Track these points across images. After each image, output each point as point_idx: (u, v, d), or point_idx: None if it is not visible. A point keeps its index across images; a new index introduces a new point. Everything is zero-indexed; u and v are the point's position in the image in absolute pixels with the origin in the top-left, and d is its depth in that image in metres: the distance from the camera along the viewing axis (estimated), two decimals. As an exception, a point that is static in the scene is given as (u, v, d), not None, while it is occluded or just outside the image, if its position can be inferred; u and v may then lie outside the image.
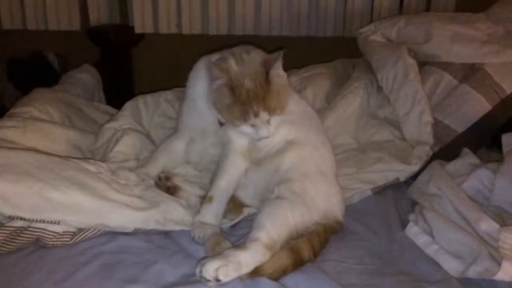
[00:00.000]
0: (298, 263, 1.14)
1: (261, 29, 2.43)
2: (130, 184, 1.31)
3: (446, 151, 1.65)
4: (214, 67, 1.23)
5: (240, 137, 1.33)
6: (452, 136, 1.68)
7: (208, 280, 1.03)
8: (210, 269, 1.03)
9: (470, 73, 1.75)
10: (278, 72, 1.27)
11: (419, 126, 1.65)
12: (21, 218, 1.11)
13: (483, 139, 1.72)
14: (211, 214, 1.28)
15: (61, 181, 1.18)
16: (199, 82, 1.39)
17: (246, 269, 1.08)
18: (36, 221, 1.12)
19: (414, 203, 1.43)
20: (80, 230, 1.18)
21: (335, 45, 2.44)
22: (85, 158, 1.41)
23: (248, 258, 1.08)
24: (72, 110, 1.68)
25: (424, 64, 1.85)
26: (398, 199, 1.50)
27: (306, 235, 1.20)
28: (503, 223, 1.22)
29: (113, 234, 1.21)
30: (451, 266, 1.17)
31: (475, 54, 1.76)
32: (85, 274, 1.08)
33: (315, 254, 1.19)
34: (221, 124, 1.34)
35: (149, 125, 1.69)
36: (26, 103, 1.59)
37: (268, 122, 1.25)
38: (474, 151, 1.57)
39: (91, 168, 1.29)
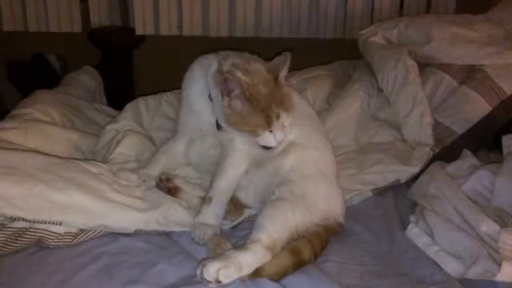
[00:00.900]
0: (298, 264, 1.14)
1: (262, 31, 2.43)
2: (131, 185, 1.32)
3: (446, 153, 1.65)
4: (229, 80, 1.21)
5: (241, 137, 1.33)
6: (452, 137, 1.68)
7: (209, 281, 1.03)
8: (211, 270, 1.03)
9: (470, 75, 1.75)
10: (284, 74, 1.30)
11: (419, 128, 1.65)
12: (22, 219, 1.11)
13: (483, 140, 1.72)
14: (211, 215, 1.28)
15: (63, 182, 1.18)
16: (195, 84, 1.39)
17: (247, 270, 1.08)
18: (38, 222, 1.13)
19: (414, 204, 1.44)
20: (82, 231, 1.19)
21: (336, 47, 2.45)
22: (86, 160, 1.41)
23: (249, 259, 1.08)
24: (73, 112, 1.69)
25: (425, 65, 1.85)
26: (399, 201, 1.50)
27: (307, 236, 1.20)
28: (503, 224, 1.22)
29: (114, 235, 1.22)
30: (452, 267, 1.17)
31: (475, 56, 1.77)
32: (86, 275, 1.08)
33: (316, 255, 1.19)
34: (218, 127, 1.34)
35: (150, 126, 1.69)
36: (28, 104, 1.60)
37: (284, 125, 1.27)
38: (474, 152, 1.57)
39: (93, 169, 1.29)
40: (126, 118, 1.63)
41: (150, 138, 1.62)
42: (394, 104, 1.76)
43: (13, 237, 1.13)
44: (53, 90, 1.85)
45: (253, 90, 1.23)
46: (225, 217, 1.33)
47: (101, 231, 1.21)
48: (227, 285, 1.05)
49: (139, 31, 2.38)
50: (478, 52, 1.77)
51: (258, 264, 1.09)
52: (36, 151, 1.33)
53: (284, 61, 1.30)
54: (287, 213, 1.19)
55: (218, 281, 1.03)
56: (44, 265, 1.11)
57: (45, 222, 1.14)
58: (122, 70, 2.45)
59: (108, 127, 1.57)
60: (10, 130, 1.40)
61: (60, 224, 1.15)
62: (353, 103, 1.79)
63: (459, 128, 1.68)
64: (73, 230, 1.18)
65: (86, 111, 1.77)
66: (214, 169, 1.38)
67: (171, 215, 1.29)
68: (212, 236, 1.22)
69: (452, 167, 1.47)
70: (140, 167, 1.44)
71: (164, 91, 1.83)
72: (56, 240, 1.16)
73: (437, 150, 1.65)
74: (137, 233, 1.23)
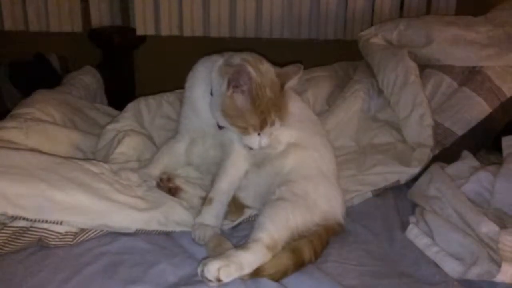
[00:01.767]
0: (299, 264, 1.15)
1: (262, 31, 2.44)
2: (132, 185, 1.32)
3: (446, 154, 1.65)
4: (242, 72, 1.21)
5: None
6: (452, 138, 1.69)
7: (210, 280, 1.04)
8: (212, 269, 1.04)
9: (470, 76, 1.76)
10: (291, 85, 1.31)
11: (419, 129, 1.65)
12: (23, 218, 1.12)
13: (483, 141, 1.73)
14: (211, 216, 1.28)
15: (64, 181, 1.19)
16: (199, 84, 1.39)
17: (248, 269, 1.08)
18: (39, 221, 1.13)
19: (414, 205, 1.44)
20: (83, 230, 1.19)
21: (336, 48, 2.46)
22: (87, 159, 1.42)
23: (249, 259, 1.08)
24: (74, 112, 1.69)
25: (425, 67, 1.85)
26: (399, 201, 1.50)
27: (307, 237, 1.20)
28: (503, 225, 1.22)
29: (115, 234, 1.22)
30: (451, 267, 1.17)
31: (475, 57, 1.77)
32: (87, 274, 1.08)
33: (316, 255, 1.19)
34: (220, 127, 1.34)
35: (150, 126, 1.69)
36: (28, 104, 1.60)
37: (271, 132, 1.28)
38: (474, 153, 1.57)
39: (94, 169, 1.29)
40: (127, 118, 1.63)
41: (151, 138, 1.62)
42: (394, 105, 1.77)
43: (14, 236, 1.13)
44: (54, 90, 1.85)
45: (260, 90, 1.23)
46: (225, 217, 1.34)
47: (102, 230, 1.21)
48: (227, 284, 1.05)
49: (140, 31, 2.38)
50: (478, 54, 1.77)
51: (259, 264, 1.10)
52: (37, 151, 1.33)
53: (296, 72, 1.31)
54: (288, 213, 1.19)
55: (219, 280, 1.04)
56: (45, 264, 1.11)
57: (46, 222, 1.14)
58: (123, 70, 2.45)
59: (109, 127, 1.57)
60: (11, 130, 1.41)
61: (61, 223, 1.15)
62: (354, 104, 1.80)
63: (459, 129, 1.69)
64: (74, 230, 1.18)
65: (87, 111, 1.77)
66: (215, 170, 1.38)
67: (172, 215, 1.29)
68: (212, 236, 1.23)
69: (452, 168, 1.48)
70: (141, 167, 1.44)
71: (165, 91, 1.84)
72: (57, 240, 1.16)
73: (437, 151, 1.65)
74: (138, 233, 1.23)
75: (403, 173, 1.55)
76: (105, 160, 1.43)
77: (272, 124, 1.26)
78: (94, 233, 1.20)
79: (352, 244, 1.29)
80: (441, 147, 1.68)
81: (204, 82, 1.37)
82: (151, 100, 1.77)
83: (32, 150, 1.33)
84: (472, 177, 1.39)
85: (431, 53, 1.83)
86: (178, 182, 1.41)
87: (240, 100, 1.23)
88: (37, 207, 1.13)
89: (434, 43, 1.82)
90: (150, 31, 2.39)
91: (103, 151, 1.50)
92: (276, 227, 1.15)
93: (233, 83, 1.22)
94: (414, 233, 1.30)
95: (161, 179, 1.40)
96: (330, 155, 1.43)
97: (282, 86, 1.29)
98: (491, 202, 1.34)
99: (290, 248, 1.16)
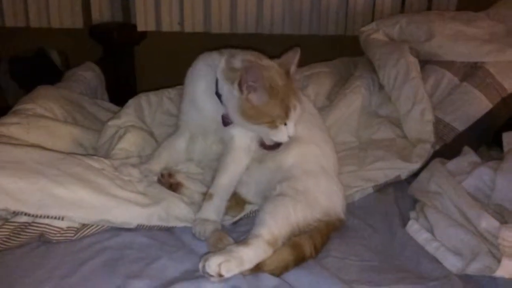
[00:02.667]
0: (299, 260, 1.15)
1: (263, 27, 2.43)
2: (133, 180, 1.32)
3: (447, 149, 1.65)
4: (250, 71, 1.21)
5: (243, 134, 1.34)
6: (453, 134, 1.68)
7: (211, 275, 1.04)
8: (213, 264, 1.04)
9: (471, 72, 1.75)
10: (293, 70, 1.32)
11: (420, 124, 1.65)
12: (25, 214, 1.12)
13: (484, 137, 1.73)
14: (212, 211, 1.29)
15: (65, 177, 1.19)
16: (200, 82, 1.39)
17: (248, 265, 1.08)
18: (40, 216, 1.13)
19: (415, 201, 1.44)
20: (84, 226, 1.19)
21: (337, 43, 2.45)
22: (88, 155, 1.42)
23: (250, 254, 1.09)
24: (75, 108, 1.69)
25: (426, 62, 1.85)
26: (399, 197, 1.50)
27: (308, 232, 1.20)
28: (503, 221, 1.22)
29: (116, 230, 1.22)
30: (451, 263, 1.17)
31: (477, 53, 1.77)
32: (88, 269, 1.09)
33: (317, 251, 1.20)
34: (225, 124, 1.34)
35: (152, 122, 1.69)
36: (29, 100, 1.60)
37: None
38: (475, 149, 1.57)
39: (95, 164, 1.30)
40: (128, 114, 1.63)
41: (152, 134, 1.63)
42: (395, 101, 1.77)
43: (15, 231, 1.13)
44: (55, 86, 1.85)
45: (271, 81, 1.24)
46: (226, 213, 1.34)
47: (103, 226, 1.21)
48: (229, 279, 1.05)
49: (140, 27, 2.38)
50: (480, 49, 1.77)
51: (260, 259, 1.10)
52: (38, 147, 1.33)
53: (294, 56, 1.32)
54: (289, 209, 1.19)
55: (220, 275, 1.04)
56: (46, 259, 1.12)
57: (48, 217, 1.14)
58: (124, 66, 2.45)
59: (110, 123, 1.58)
60: (12, 126, 1.41)
61: (63, 219, 1.16)
62: (355, 100, 1.79)
63: (460, 125, 1.68)
64: (75, 225, 1.19)
65: (88, 106, 1.77)
66: (216, 165, 1.38)
67: (173, 210, 1.29)
68: (213, 231, 1.23)
69: (453, 164, 1.47)
70: (142, 162, 1.44)
71: (166, 87, 1.84)
72: (59, 235, 1.17)
73: (437, 147, 1.65)
74: (139, 228, 1.24)
75: (404, 169, 1.55)
76: (106, 155, 1.44)
77: (295, 108, 1.27)
78: (96, 229, 1.21)
79: (352, 239, 1.29)
80: (442, 142, 1.68)
81: (205, 80, 1.37)
82: (152, 96, 1.77)
83: (34, 146, 1.34)
84: (472, 173, 1.39)
85: (432, 48, 1.83)
86: (179, 177, 1.42)
87: (256, 98, 1.23)
88: (38, 202, 1.13)
89: (435, 39, 1.82)
90: (151, 27, 2.39)
91: (104, 147, 1.51)
92: (277, 223, 1.16)
93: (245, 85, 1.22)
94: (414, 228, 1.30)
95: (162, 175, 1.40)
96: (330, 150, 1.43)
97: (287, 74, 1.30)
98: (492, 198, 1.34)
99: (291, 243, 1.16)
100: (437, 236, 1.25)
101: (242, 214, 1.37)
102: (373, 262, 1.20)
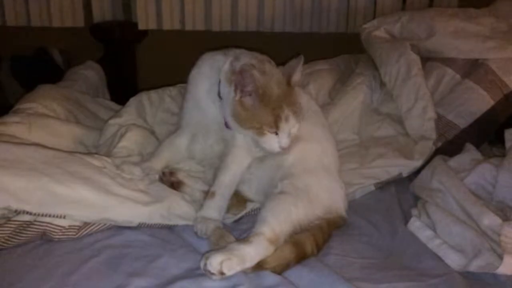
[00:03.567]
0: (301, 257, 1.15)
1: (264, 25, 2.43)
2: (135, 178, 1.32)
3: (449, 147, 1.65)
4: (244, 74, 1.21)
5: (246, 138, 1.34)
6: (455, 131, 1.68)
7: (213, 273, 1.04)
8: (215, 262, 1.04)
9: (473, 69, 1.75)
10: (296, 79, 1.30)
11: (422, 122, 1.65)
12: (27, 212, 1.12)
13: (486, 134, 1.72)
14: (213, 209, 1.29)
15: (67, 175, 1.19)
16: (203, 82, 1.39)
17: (250, 263, 1.08)
18: (42, 215, 1.14)
19: (416, 198, 1.44)
20: (86, 224, 1.19)
21: (338, 41, 2.44)
22: (90, 153, 1.42)
23: (252, 252, 1.09)
24: (76, 106, 1.69)
25: (427, 59, 1.85)
26: (401, 194, 1.50)
27: (309, 230, 1.20)
28: (505, 218, 1.22)
29: (118, 228, 1.22)
30: (453, 260, 1.17)
31: (478, 50, 1.76)
32: (90, 267, 1.09)
33: (318, 249, 1.20)
34: (227, 125, 1.34)
35: (153, 121, 1.69)
36: (31, 99, 1.60)
37: (290, 131, 1.27)
38: (477, 146, 1.57)
39: (96, 163, 1.30)
40: (129, 113, 1.64)
41: (153, 133, 1.63)
42: (396, 98, 1.76)
43: (17, 230, 1.14)
44: (56, 84, 1.84)
45: (266, 88, 1.23)
46: (227, 211, 1.34)
47: (104, 224, 1.21)
48: (229, 277, 1.05)
49: (141, 25, 2.37)
50: (481, 46, 1.76)
51: (261, 257, 1.10)
52: (39, 145, 1.33)
53: (297, 65, 1.30)
54: (290, 207, 1.19)
55: (221, 273, 1.04)
56: (48, 258, 1.12)
57: (49, 215, 1.14)
58: (125, 64, 2.45)
59: (111, 122, 1.58)
60: (13, 125, 1.41)
61: (64, 217, 1.16)
62: (356, 97, 1.79)
63: (462, 122, 1.68)
64: (77, 224, 1.19)
65: (89, 105, 1.77)
66: (217, 163, 1.38)
67: (174, 208, 1.30)
68: (214, 229, 1.23)
69: (455, 161, 1.47)
70: (143, 160, 1.44)
71: (167, 85, 1.84)
72: (60, 234, 1.17)
73: (439, 144, 1.64)
74: (140, 227, 1.24)
75: (406, 166, 1.55)
76: (108, 154, 1.44)
77: (287, 119, 1.24)
78: (97, 227, 1.21)
79: (354, 237, 1.29)
80: (444, 139, 1.67)
81: (209, 81, 1.37)
82: (153, 94, 1.77)
83: (35, 144, 1.34)
84: (474, 170, 1.39)
85: (433, 45, 1.83)
86: (181, 176, 1.42)
87: (249, 102, 1.23)
88: (40, 201, 1.13)
89: (436, 36, 1.82)
90: (152, 26, 2.38)
91: (105, 145, 1.51)
92: (278, 221, 1.16)
93: (239, 87, 1.22)
94: (416, 225, 1.30)
95: (163, 173, 1.40)
96: (332, 148, 1.43)
97: (288, 82, 1.29)
98: (494, 195, 1.34)
99: (292, 241, 1.16)
100: (439, 233, 1.25)
101: (243, 212, 1.37)
102: (374, 259, 1.20)
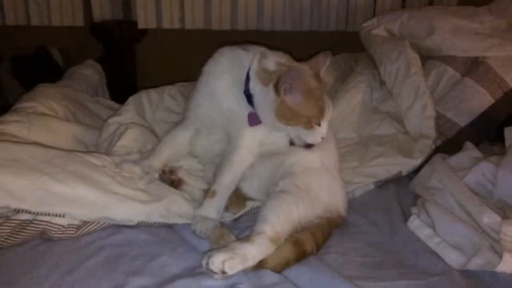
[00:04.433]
0: (301, 256, 1.15)
1: (264, 24, 2.43)
2: (134, 177, 1.32)
3: (448, 145, 1.65)
4: (291, 73, 1.22)
5: (252, 134, 1.34)
6: (454, 129, 1.68)
7: (215, 272, 1.04)
8: (217, 261, 1.04)
9: (473, 67, 1.75)
10: (322, 73, 1.35)
11: (421, 120, 1.65)
12: (26, 211, 1.12)
13: (485, 132, 1.72)
14: (213, 209, 1.29)
15: (66, 174, 1.19)
16: (223, 77, 1.37)
17: (252, 262, 1.08)
18: (41, 214, 1.14)
19: (416, 197, 1.44)
20: (85, 223, 1.19)
21: (338, 39, 2.44)
22: (89, 152, 1.42)
23: (253, 251, 1.09)
24: (76, 105, 1.69)
25: (427, 58, 1.85)
26: (400, 193, 1.50)
27: (309, 229, 1.20)
28: (504, 216, 1.22)
29: (117, 227, 1.22)
30: (453, 258, 1.17)
31: (478, 48, 1.76)
32: (90, 266, 1.09)
33: (318, 247, 1.20)
34: (251, 123, 1.33)
35: (152, 119, 1.69)
36: (30, 98, 1.60)
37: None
38: (477, 144, 1.57)
39: (96, 161, 1.30)
40: (129, 111, 1.64)
41: (153, 131, 1.62)
42: (396, 96, 1.76)
43: (17, 229, 1.14)
44: (56, 84, 1.84)
45: (310, 83, 1.26)
46: (226, 209, 1.34)
47: (104, 223, 1.21)
48: (231, 276, 1.05)
49: (141, 24, 2.37)
50: (481, 44, 1.76)
51: (263, 256, 1.10)
52: (39, 144, 1.33)
53: (325, 60, 1.35)
54: (291, 206, 1.19)
55: (223, 272, 1.04)
56: (47, 257, 1.12)
57: (49, 214, 1.14)
58: (124, 63, 2.45)
59: (111, 120, 1.57)
60: (13, 124, 1.41)
61: (63, 216, 1.16)
62: (356, 96, 1.79)
63: (462, 120, 1.68)
64: (76, 222, 1.19)
65: (89, 104, 1.78)
66: (218, 161, 1.38)
67: (174, 207, 1.29)
68: (214, 228, 1.23)
69: (454, 159, 1.47)
70: (143, 158, 1.43)
71: (167, 84, 1.84)
72: (60, 232, 1.17)
73: (439, 142, 1.64)
74: (140, 225, 1.24)
75: (405, 165, 1.55)
76: (107, 153, 1.44)
77: (328, 107, 1.29)
78: (96, 226, 1.21)
79: (353, 235, 1.29)
80: (444, 138, 1.67)
81: (230, 76, 1.36)
82: (153, 93, 1.77)
83: (34, 143, 1.34)
84: (474, 168, 1.39)
85: (433, 44, 1.83)
86: (181, 174, 1.42)
87: (293, 99, 1.24)
88: (39, 200, 1.14)
89: (436, 34, 1.82)
90: (152, 25, 2.38)
91: (105, 144, 1.50)
92: (279, 220, 1.16)
93: (283, 87, 1.23)
94: (415, 224, 1.30)
95: (163, 171, 1.40)
96: (332, 147, 1.43)
97: (317, 76, 1.32)
98: (493, 193, 1.34)
99: (292, 240, 1.16)
100: (439, 231, 1.25)
101: (243, 211, 1.37)
102: (374, 258, 1.20)
